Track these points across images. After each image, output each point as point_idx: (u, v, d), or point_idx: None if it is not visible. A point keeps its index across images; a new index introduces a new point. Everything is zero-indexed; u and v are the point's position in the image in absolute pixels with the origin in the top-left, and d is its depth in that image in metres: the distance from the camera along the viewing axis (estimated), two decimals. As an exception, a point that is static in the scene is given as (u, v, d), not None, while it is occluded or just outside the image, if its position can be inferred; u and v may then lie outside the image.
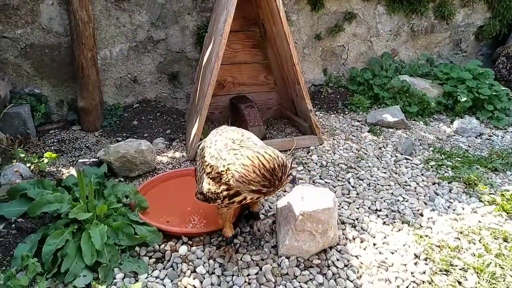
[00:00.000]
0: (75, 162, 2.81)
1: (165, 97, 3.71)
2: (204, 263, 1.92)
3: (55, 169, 2.71)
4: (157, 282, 1.81)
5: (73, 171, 2.65)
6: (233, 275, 1.85)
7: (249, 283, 1.81)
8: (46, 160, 2.67)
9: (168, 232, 2.07)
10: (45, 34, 3.16)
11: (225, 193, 1.70)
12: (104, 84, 3.45)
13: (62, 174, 2.66)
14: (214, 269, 1.89)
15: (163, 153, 3.00)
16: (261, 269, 1.89)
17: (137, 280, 1.81)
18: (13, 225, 2.02)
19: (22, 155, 2.65)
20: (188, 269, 1.88)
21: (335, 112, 3.88)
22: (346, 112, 3.88)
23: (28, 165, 2.61)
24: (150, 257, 1.96)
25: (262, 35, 3.41)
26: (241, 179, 1.60)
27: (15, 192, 2.10)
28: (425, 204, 2.47)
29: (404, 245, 2.10)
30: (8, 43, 3.09)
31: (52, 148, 2.98)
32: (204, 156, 1.85)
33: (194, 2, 3.51)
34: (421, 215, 2.36)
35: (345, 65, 4.34)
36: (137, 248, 1.98)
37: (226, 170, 1.66)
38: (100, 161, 2.62)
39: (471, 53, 4.91)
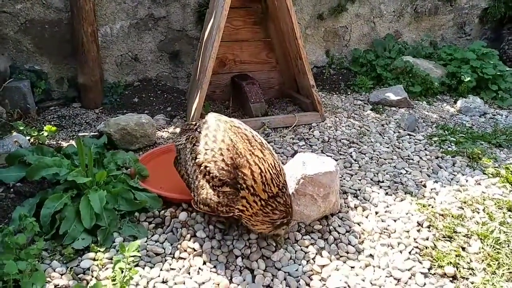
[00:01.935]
0: (75, 136, 2.79)
1: (166, 76, 3.68)
2: (204, 228, 1.89)
3: (54, 143, 2.69)
4: (156, 246, 1.79)
5: (73, 143, 2.63)
6: (233, 239, 1.83)
7: (249, 247, 1.79)
8: (45, 133, 2.64)
9: (168, 198, 2.04)
10: (45, 9, 3.13)
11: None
12: (104, 62, 3.42)
13: (62, 147, 2.64)
14: (215, 233, 1.87)
15: (164, 129, 2.98)
16: (261, 233, 1.87)
17: (136, 242, 1.79)
18: (12, 190, 2.00)
19: (22, 128, 2.63)
20: (188, 233, 1.86)
21: (337, 92, 3.84)
22: (349, 93, 3.84)
23: (27, 138, 2.59)
24: (150, 223, 1.94)
25: (264, 11, 3.37)
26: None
27: (14, 158, 2.09)
28: (428, 176, 2.44)
29: (406, 214, 2.08)
30: (8, 18, 3.06)
31: (52, 123, 2.95)
32: (206, 167, 1.68)
33: (195, -21, 3.47)
34: (424, 186, 2.34)
35: (348, 47, 4.29)
36: (136, 214, 1.97)
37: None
38: (101, 133, 2.60)
39: (475, 36, 4.86)
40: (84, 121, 3.05)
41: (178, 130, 2.95)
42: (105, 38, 3.37)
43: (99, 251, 1.74)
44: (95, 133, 2.71)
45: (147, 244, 1.80)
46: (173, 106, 3.33)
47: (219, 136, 1.71)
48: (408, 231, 1.95)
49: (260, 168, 1.60)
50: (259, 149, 1.68)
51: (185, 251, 1.77)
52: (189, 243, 1.80)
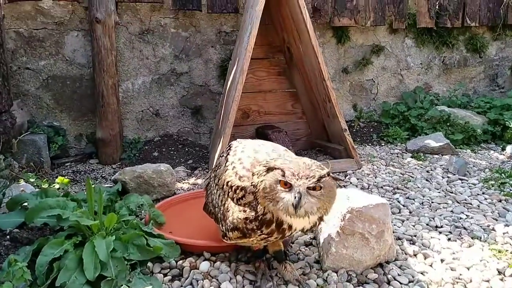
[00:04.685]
0: (88, 189, 2.55)
1: (187, 131, 3.52)
2: (231, 279, 1.54)
3: (66, 195, 2.46)
4: (172, 301, 1.44)
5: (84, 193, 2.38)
6: (267, 292, 1.47)
7: (289, 301, 1.42)
8: (57, 186, 2.43)
9: (187, 245, 1.72)
10: (67, 65, 3.12)
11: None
12: (125, 118, 3.31)
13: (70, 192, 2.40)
14: (243, 286, 1.51)
15: (184, 180, 2.72)
16: (302, 285, 1.50)
17: (147, 296, 1.45)
18: (7, 236, 1.73)
19: (32, 180, 2.43)
20: (211, 286, 1.50)
21: (370, 144, 3.57)
22: (382, 144, 3.56)
23: (37, 189, 2.37)
24: (165, 275, 1.61)
25: (288, 61, 3.28)
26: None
27: (15, 203, 1.84)
28: (495, 220, 2.05)
29: (481, 261, 1.67)
30: (30, 75, 3.04)
31: (66, 177, 2.75)
32: (228, 182, 1.44)
33: (218, 35, 3.46)
34: (493, 230, 1.94)
35: (376, 100, 4.11)
36: (149, 264, 1.64)
37: None
38: (115, 182, 2.37)
39: (509, 89, 4.63)
40: (100, 175, 2.84)
41: (199, 181, 2.69)
42: (126, 94, 3.30)
43: (102, 308, 1.40)
44: (110, 186, 2.48)
45: (161, 300, 1.45)
46: (194, 159, 3.11)
47: (239, 148, 1.54)
48: (488, 281, 1.54)
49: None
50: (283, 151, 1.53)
51: (208, 307, 1.41)
52: (213, 298, 1.44)
